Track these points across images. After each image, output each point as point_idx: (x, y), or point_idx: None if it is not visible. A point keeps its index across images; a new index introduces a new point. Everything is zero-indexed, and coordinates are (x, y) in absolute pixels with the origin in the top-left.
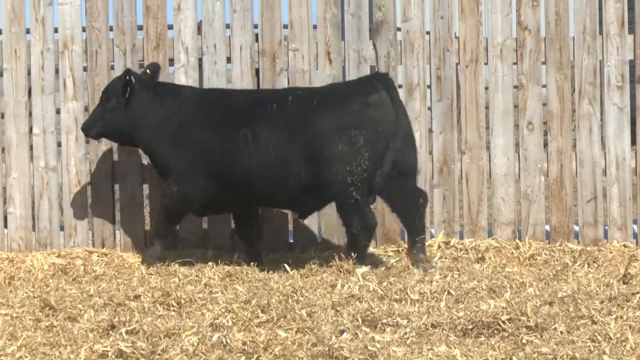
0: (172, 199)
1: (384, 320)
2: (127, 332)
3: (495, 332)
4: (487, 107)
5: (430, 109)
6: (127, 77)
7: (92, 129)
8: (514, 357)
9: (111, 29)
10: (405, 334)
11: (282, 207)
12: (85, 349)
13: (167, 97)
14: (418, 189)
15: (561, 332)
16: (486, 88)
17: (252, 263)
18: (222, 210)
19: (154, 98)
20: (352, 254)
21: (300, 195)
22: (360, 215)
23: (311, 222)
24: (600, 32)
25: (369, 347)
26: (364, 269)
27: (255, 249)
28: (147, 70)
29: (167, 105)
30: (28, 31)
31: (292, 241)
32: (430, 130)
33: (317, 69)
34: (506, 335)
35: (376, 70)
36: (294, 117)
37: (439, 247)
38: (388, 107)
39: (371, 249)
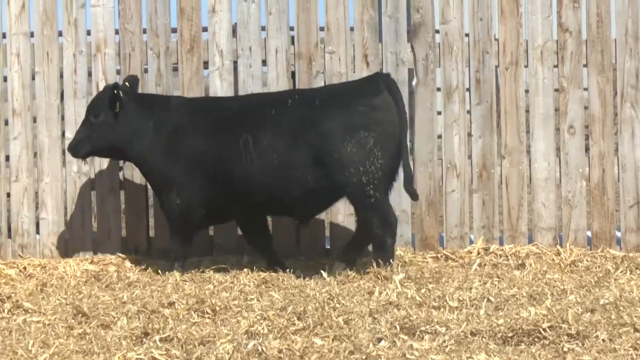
0: (177, 212)
1: (423, 328)
2: (161, 340)
3: (536, 340)
4: (527, 111)
5: (469, 112)
6: (115, 91)
7: (81, 148)
8: None
9: (144, 31)
10: (444, 341)
11: (283, 214)
12: (119, 357)
13: (157, 108)
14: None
15: (603, 340)
16: (526, 91)
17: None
18: (226, 217)
19: (143, 110)
20: (381, 256)
21: (304, 200)
22: (380, 213)
23: (348, 227)
24: None
25: (407, 355)
26: (401, 275)
27: (270, 255)
28: (127, 83)
29: (158, 115)
30: (60, 34)
31: (328, 247)
32: (469, 134)
33: (354, 71)
34: (547, 343)
35: (414, 72)
36: (295, 120)
37: (478, 253)
38: (393, 109)
39: (409, 255)
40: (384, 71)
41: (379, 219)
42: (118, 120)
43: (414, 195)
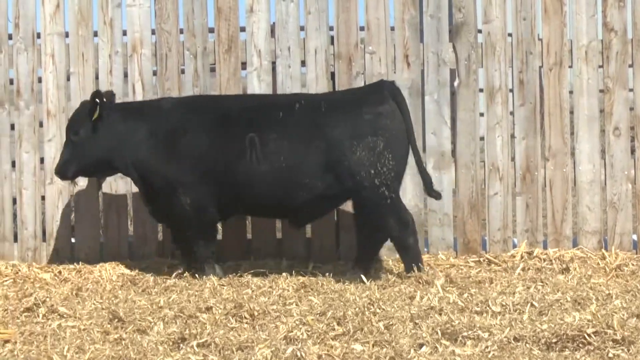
0: (190, 212)
1: (465, 333)
2: (198, 345)
3: (580, 345)
4: (571, 112)
5: (512, 113)
6: (97, 99)
7: (68, 169)
8: None
9: (181, 31)
10: (487, 347)
11: (283, 218)
12: None
13: (147, 113)
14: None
15: None
16: (570, 92)
17: None
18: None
19: (129, 117)
20: (409, 257)
21: (307, 206)
22: (396, 213)
23: None
24: None
25: None
26: (442, 280)
27: None
28: (104, 98)
29: (151, 119)
30: (96, 34)
31: None
32: (513, 136)
33: (394, 72)
34: (592, 349)
35: (456, 73)
36: (302, 123)
37: (522, 257)
38: (398, 118)
39: (451, 259)
40: (426, 72)
41: (395, 220)
42: (100, 133)
43: (438, 196)
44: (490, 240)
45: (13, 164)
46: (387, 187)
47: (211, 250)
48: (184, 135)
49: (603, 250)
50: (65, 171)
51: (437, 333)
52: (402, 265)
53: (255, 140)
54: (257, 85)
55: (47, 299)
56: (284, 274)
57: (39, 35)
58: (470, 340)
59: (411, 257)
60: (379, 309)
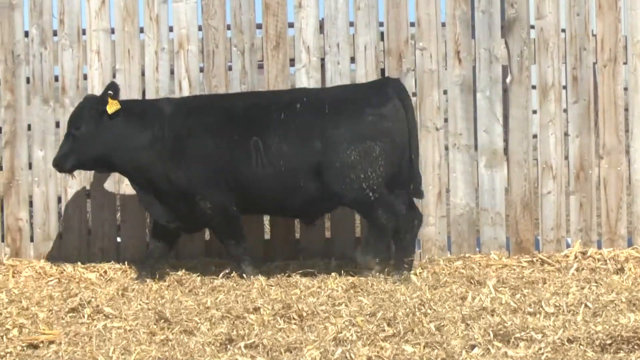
0: (215, 214)
1: (517, 335)
2: (246, 347)
3: (636, 347)
4: (626, 109)
5: (565, 111)
6: (110, 91)
7: (66, 162)
8: None
9: (228, 27)
10: (540, 349)
11: (289, 215)
12: None
13: (149, 114)
14: (415, 207)
15: None
16: (625, 89)
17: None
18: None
19: (133, 116)
20: (371, 247)
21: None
22: (385, 207)
23: (440, 230)
24: None
25: None
26: (495, 280)
27: None
28: (110, 92)
29: (151, 122)
30: (142, 30)
31: (419, 250)
32: (566, 134)
33: (445, 68)
34: None
35: (508, 69)
36: (305, 121)
37: (576, 257)
38: (402, 117)
39: (503, 259)
40: (477, 68)
41: (382, 210)
42: (102, 130)
43: (421, 195)
44: (543, 240)
45: None
46: (373, 190)
47: (245, 248)
48: (194, 136)
49: None
50: (62, 164)
51: (489, 334)
52: (453, 264)
53: (258, 143)
54: (306, 82)
55: (93, 299)
56: (333, 274)
57: (84, 32)
58: (523, 342)
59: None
60: (430, 309)
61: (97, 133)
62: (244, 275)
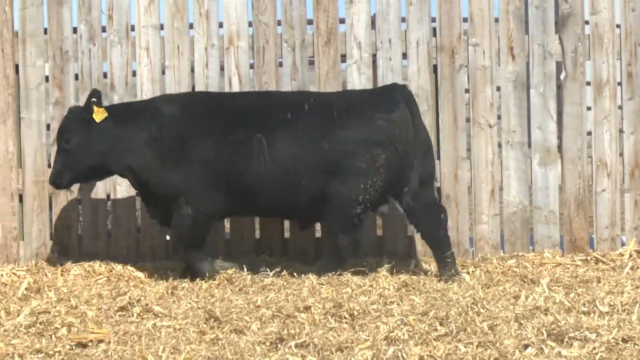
0: (189, 222)
1: (571, 334)
2: (296, 346)
3: None
4: None
5: (620, 107)
6: (92, 100)
7: (63, 178)
8: None
9: (279, 23)
10: (594, 349)
11: (288, 217)
12: None
13: (144, 115)
14: (438, 203)
15: None
16: None
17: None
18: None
19: (121, 120)
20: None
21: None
22: (354, 231)
23: (493, 228)
24: None
25: None
26: (548, 279)
27: None
28: (93, 99)
29: (143, 123)
30: (191, 26)
31: (472, 249)
32: (621, 131)
33: (499, 64)
34: None
35: (562, 65)
36: (313, 121)
37: (630, 256)
38: (409, 124)
39: (557, 258)
40: (531, 64)
41: (348, 237)
42: (93, 138)
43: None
44: (597, 238)
45: None
46: (364, 208)
47: (201, 251)
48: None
49: None
50: (59, 182)
51: (542, 334)
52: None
53: (262, 141)
54: (357, 79)
55: (142, 298)
56: (384, 272)
57: (133, 28)
58: (577, 342)
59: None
60: (483, 308)
61: (88, 142)
62: (200, 274)
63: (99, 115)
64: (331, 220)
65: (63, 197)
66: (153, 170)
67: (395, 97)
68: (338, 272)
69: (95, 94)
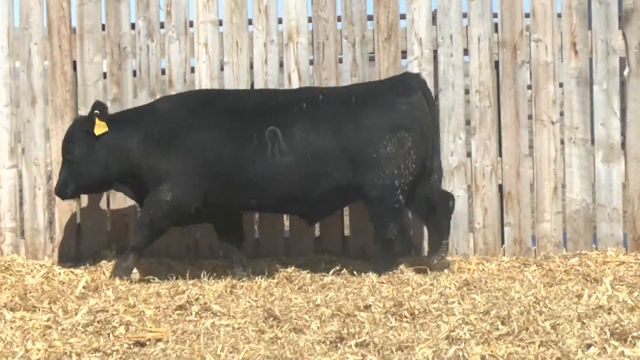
0: (163, 209)
1: (635, 334)
2: (356, 345)
3: None
4: None
5: None
6: (95, 112)
7: (67, 189)
8: None
9: (339, 19)
10: None
11: (292, 212)
12: None
13: (145, 117)
14: (446, 191)
15: None
16: None
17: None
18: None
19: (121, 127)
20: (383, 260)
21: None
22: (397, 220)
23: (556, 226)
24: None
25: None
26: (611, 277)
27: (238, 254)
28: (96, 111)
29: (145, 125)
30: (250, 22)
31: (534, 247)
32: None
33: (561, 60)
34: None
35: (626, 61)
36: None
37: None
38: (426, 110)
39: (620, 256)
40: (594, 60)
41: (395, 226)
42: (95, 149)
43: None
44: None
45: None
46: (402, 192)
47: (147, 245)
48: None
49: None
50: (64, 192)
51: (605, 333)
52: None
53: (277, 134)
54: None
55: (200, 297)
56: (445, 270)
57: (191, 24)
58: None
59: (385, 262)
60: (545, 307)
61: (91, 154)
62: (122, 267)
63: (99, 128)
64: (373, 214)
65: (120, 194)
66: (146, 159)
67: (411, 83)
68: (396, 270)
69: (99, 106)
